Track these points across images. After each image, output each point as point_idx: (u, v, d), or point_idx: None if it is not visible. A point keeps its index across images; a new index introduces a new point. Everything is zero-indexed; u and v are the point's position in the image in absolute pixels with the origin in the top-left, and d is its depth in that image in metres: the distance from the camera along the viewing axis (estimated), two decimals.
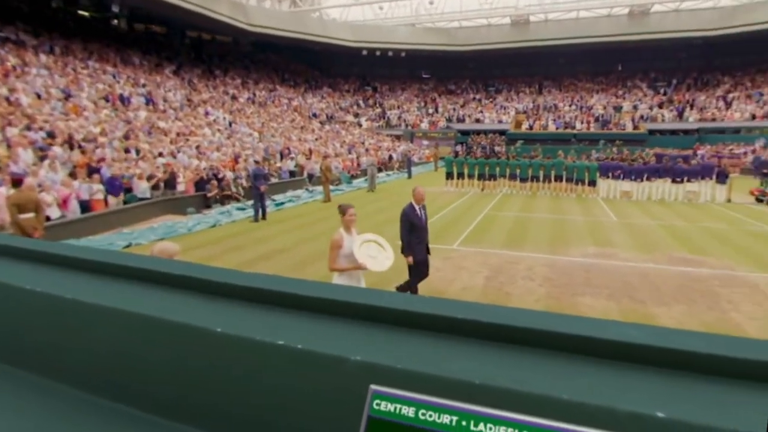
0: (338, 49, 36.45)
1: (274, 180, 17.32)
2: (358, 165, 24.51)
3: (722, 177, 17.15)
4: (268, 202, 13.55)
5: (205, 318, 0.92)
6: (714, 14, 30.95)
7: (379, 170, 25.05)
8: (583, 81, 40.13)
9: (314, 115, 33.90)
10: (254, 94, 30.55)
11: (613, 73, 39.81)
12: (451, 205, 15.49)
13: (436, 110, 40.15)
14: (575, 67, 39.77)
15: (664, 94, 36.25)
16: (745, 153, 27.40)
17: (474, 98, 41.67)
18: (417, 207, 5.96)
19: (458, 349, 0.76)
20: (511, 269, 8.03)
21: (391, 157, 28.96)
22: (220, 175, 14.90)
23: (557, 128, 34.79)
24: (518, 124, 36.48)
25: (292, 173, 19.68)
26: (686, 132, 32.00)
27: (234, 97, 27.89)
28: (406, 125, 38.16)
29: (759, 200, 16.47)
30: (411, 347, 0.78)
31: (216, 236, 10.66)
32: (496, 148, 32.98)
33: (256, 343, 0.83)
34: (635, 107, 35.07)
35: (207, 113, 22.01)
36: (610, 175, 17.90)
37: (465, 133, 36.92)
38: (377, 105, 40.55)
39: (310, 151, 23.28)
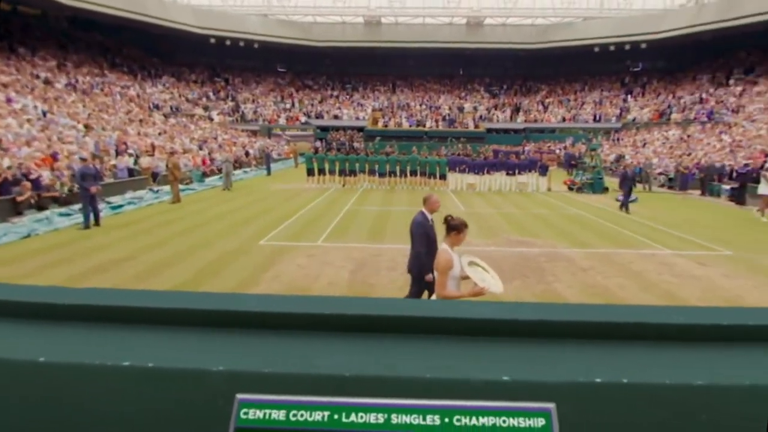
0: (182, 34, 33.13)
1: (108, 180, 15.05)
2: (212, 162, 22.75)
3: (543, 170, 20.23)
4: (102, 205, 11.70)
5: (20, 348, 0.74)
6: (533, 30, 36.35)
7: (235, 167, 23.64)
8: (431, 82, 43.55)
9: (156, 106, 30.31)
10: (76, 80, 26.05)
11: (456, 76, 43.97)
12: (313, 201, 15.36)
13: (294, 105, 39.46)
14: (424, 69, 42.91)
15: (498, 97, 41.40)
16: (559, 149, 32.81)
17: (332, 94, 42.04)
18: (430, 217, 5.15)
19: (327, 345, 0.76)
20: (374, 262, 8.23)
21: (247, 153, 27.56)
22: (34, 176, 12.37)
23: (410, 126, 37.16)
24: (375, 121, 37.95)
25: (131, 172, 17.31)
26: (516, 131, 37.13)
27: (48, 82, 23.41)
28: (263, 120, 36.70)
29: (570, 188, 19.85)
30: (278, 349, 0.74)
31: (31, 248, 8.81)
32: (355, 144, 33.82)
33: (95, 369, 0.70)
34: (475, 108, 39.35)
35: (9, 100, 18.06)
36: (457, 169, 19.73)
37: (324, 129, 37.06)
38: (230, 98, 38.13)
39: (153, 147, 20.79)
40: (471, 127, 36.92)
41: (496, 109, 39.41)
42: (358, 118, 38.74)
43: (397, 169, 19.79)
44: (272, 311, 0.81)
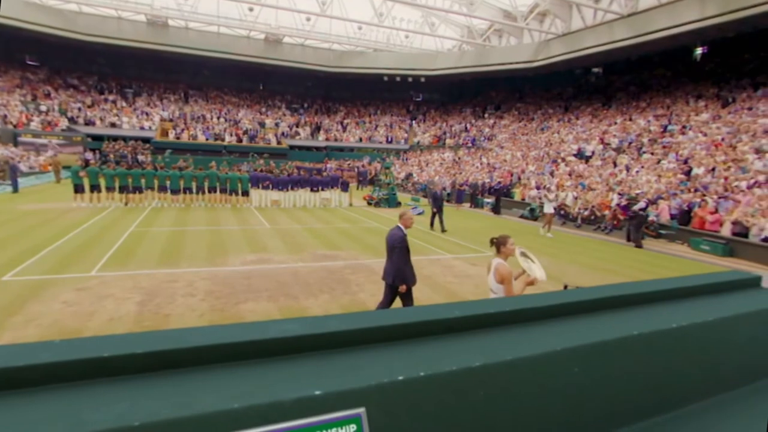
0: None
1: None
2: None
3: (345, 186, 21.30)
4: None
5: None
6: (330, 54, 38.31)
7: None
8: (229, 95, 41.58)
9: None
10: None
11: (256, 91, 43.05)
12: (84, 223, 12.71)
13: (55, 109, 32.36)
14: (221, 80, 40.69)
15: (300, 115, 42.12)
16: (358, 167, 35.17)
17: (107, 99, 36.06)
18: (405, 231, 5.57)
19: (105, 394, 0.61)
20: (168, 288, 7.21)
21: None
22: None
23: (207, 139, 34.58)
24: (165, 132, 34.06)
25: None
26: (318, 148, 38.31)
27: None
28: (5, 122, 28.92)
29: (369, 203, 21.39)
30: (33, 411, 0.57)
31: None
32: (141, 157, 29.63)
33: None
34: (277, 124, 39.14)
35: None
36: (261, 185, 19.14)
37: (97, 138, 31.36)
38: None
39: None
40: (273, 144, 36.55)
41: (297, 127, 40.02)
42: (142, 128, 34.12)
43: (194, 185, 18.07)
44: (19, 365, 0.62)
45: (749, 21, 18.49)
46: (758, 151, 15.90)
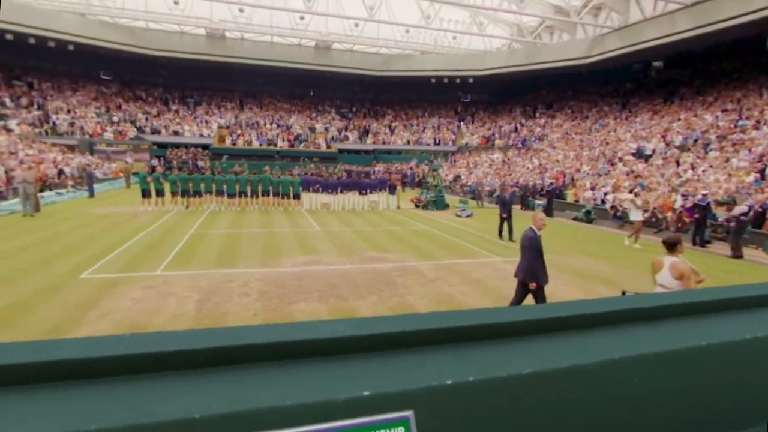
0: None
1: None
2: (9, 182, 18.62)
3: (392, 189, 21.44)
4: None
5: None
6: (377, 58, 38.74)
7: (45, 188, 19.86)
8: (281, 101, 43.05)
9: None
10: None
11: (306, 97, 44.29)
12: (151, 226, 13.62)
13: (126, 119, 34.92)
14: (273, 87, 42.23)
15: (348, 119, 42.88)
16: (406, 170, 35.28)
17: (171, 109, 38.45)
18: (539, 233, 6.02)
19: (169, 388, 0.66)
20: (225, 288, 7.59)
21: (61, 172, 23.36)
22: None
23: (261, 144, 36.00)
24: (221, 139, 35.81)
25: None
26: (366, 152, 38.81)
27: None
28: (83, 133, 31.55)
29: (417, 206, 21.40)
30: (106, 401, 0.62)
31: None
32: (200, 163, 31.34)
33: None
34: (327, 129, 40.06)
35: None
36: (311, 189, 19.67)
37: (162, 146, 33.55)
38: (36, 106, 31.96)
39: None
40: (323, 148, 37.43)
41: (346, 131, 40.74)
42: (202, 135, 36.08)
43: (248, 189, 18.87)
44: (96, 356, 0.67)
45: None
46: None
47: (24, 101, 31.71)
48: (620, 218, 16.70)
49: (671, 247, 4.75)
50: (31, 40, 28.70)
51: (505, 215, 13.16)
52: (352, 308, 6.82)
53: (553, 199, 20.54)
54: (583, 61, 29.06)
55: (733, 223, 12.32)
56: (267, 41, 36.40)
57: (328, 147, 37.74)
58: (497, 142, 37.14)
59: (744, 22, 19.49)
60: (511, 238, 12.88)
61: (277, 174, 20.85)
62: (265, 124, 38.96)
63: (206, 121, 37.76)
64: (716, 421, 0.81)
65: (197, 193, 18.04)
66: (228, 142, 35.58)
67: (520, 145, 34.43)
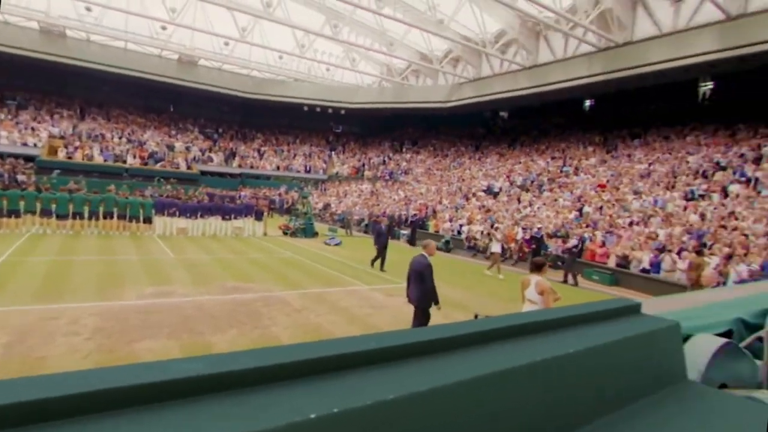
0: None
1: None
2: None
3: (259, 215, 20.52)
4: None
5: None
6: (249, 80, 37.49)
7: None
8: (135, 114, 38.69)
9: None
10: None
11: (166, 112, 40.58)
12: None
13: None
14: (125, 98, 37.77)
15: (213, 140, 40.31)
16: (274, 196, 34.26)
17: None
18: (430, 259, 6.30)
19: None
20: (46, 327, 6.25)
21: None
22: None
23: (106, 160, 31.53)
24: (53, 151, 30.44)
25: None
26: (232, 175, 36.74)
27: None
28: None
29: (285, 233, 20.75)
30: None
31: None
32: (20, 177, 26.12)
33: None
34: (188, 148, 36.98)
35: None
36: (166, 212, 17.77)
37: None
38: None
39: None
40: (183, 168, 34.37)
41: (210, 152, 38.19)
42: (26, 145, 30.18)
43: (85, 210, 16.25)
44: None
45: (627, 80, 21.42)
46: (636, 193, 18.14)
47: None
48: (473, 248, 18.39)
49: (538, 267, 5.55)
50: None
51: (379, 247, 13.11)
52: (208, 344, 6.16)
53: (417, 229, 21.83)
54: (443, 105, 32.07)
55: (566, 255, 14.35)
56: (120, 47, 32.70)
57: (189, 168, 34.80)
58: (366, 173, 38.50)
59: (567, 87, 23.68)
60: (382, 269, 12.92)
61: (125, 194, 18.39)
62: (112, 138, 34.38)
63: (33, 129, 31.88)
64: (548, 428, 0.90)
65: (14, 213, 14.91)
66: (62, 154, 30.40)
67: (387, 177, 36.17)
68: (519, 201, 22.23)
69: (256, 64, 35.94)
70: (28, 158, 28.67)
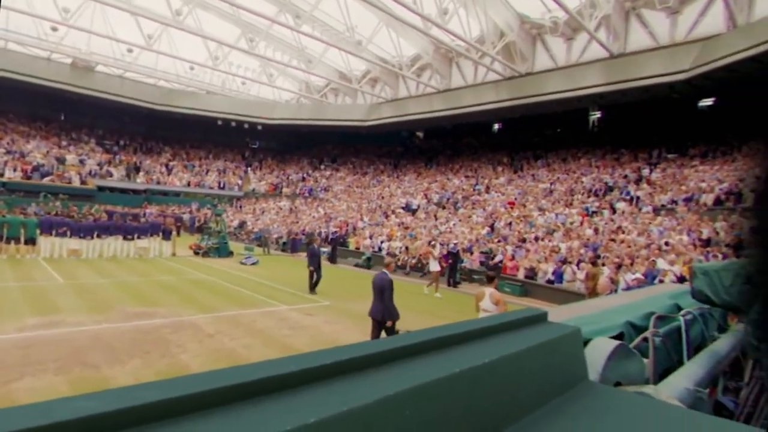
0: None
1: None
2: None
3: (167, 234, 19.08)
4: None
5: None
6: (155, 90, 35.03)
7: None
8: (16, 123, 34.28)
9: None
10: None
11: (54, 121, 36.47)
12: None
13: None
14: (5, 104, 33.37)
15: (113, 153, 36.92)
16: (184, 213, 32.12)
17: None
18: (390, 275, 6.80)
19: None
20: None
21: None
22: None
23: None
24: None
25: None
26: (135, 191, 33.78)
27: None
28: None
29: (196, 253, 19.46)
30: None
31: None
32: None
33: None
34: (82, 161, 33.46)
35: None
36: (55, 231, 15.85)
37: None
38: None
39: None
40: (76, 183, 30.94)
41: (110, 165, 34.90)
42: None
43: None
44: None
45: (530, 107, 23.42)
46: (540, 210, 19.72)
47: None
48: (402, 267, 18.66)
49: (490, 280, 6.32)
50: None
51: (312, 268, 12.38)
52: (105, 378, 5.52)
53: (337, 246, 21.68)
54: (362, 123, 32.55)
55: (492, 270, 14.97)
56: (0, 47, 28.99)
57: (84, 183, 31.42)
58: (285, 189, 37.66)
59: (476, 111, 25.28)
60: (312, 290, 12.31)
61: (2, 212, 16.11)
62: None
63: None
64: None
65: None
66: None
67: (307, 194, 35.68)
68: (436, 218, 23.07)
69: (163, 74, 33.74)
70: None
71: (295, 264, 19.37)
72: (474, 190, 25.41)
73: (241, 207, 35.93)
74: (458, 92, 26.31)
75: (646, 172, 19.73)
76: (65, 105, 34.98)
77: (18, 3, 23.68)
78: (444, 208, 24.32)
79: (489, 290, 6.03)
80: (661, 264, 12.24)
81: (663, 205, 16.85)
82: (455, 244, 16.96)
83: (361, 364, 0.88)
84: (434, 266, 13.95)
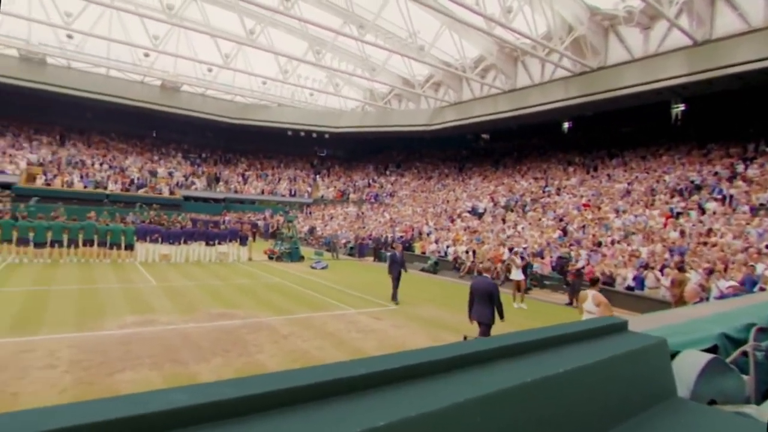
0: None
1: None
2: None
3: (244, 240, 20.30)
4: None
5: None
6: (232, 106, 37.59)
7: None
8: (116, 140, 38.32)
9: None
10: None
11: (147, 138, 40.31)
12: None
13: None
14: (106, 124, 37.43)
15: (197, 165, 40.07)
16: (259, 220, 34.00)
17: None
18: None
19: None
20: (21, 360, 6.02)
21: None
22: None
23: (86, 187, 31.03)
24: (31, 178, 29.90)
25: None
26: (216, 200, 36.42)
27: None
28: None
29: (270, 257, 20.52)
30: None
31: None
32: None
33: None
34: (171, 174, 36.66)
35: None
36: (148, 238, 17.47)
37: None
38: None
39: None
40: (166, 194, 33.96)
41: (194, 177, 37.91)
42: (3, 172, 29.66)
43: (65, 237, 15.87)
44: None
45: (603, 103, 22.14)
46: (617, 211, 18.52)
47: None
48: (459, 269, 18.45)
49: (594, 282, 6.73)
50: None
51: (393, 276, 11.71)
52: (192, 374, 5.98)
53: (404, 251, 21.79)
54: (426, 128, 32.59)
55: (573, 278, 14.01)
56: (101, 73, 32.60)
57: (172, 193, 34.40)
58: (351, 196, 38.58)
59: (544, 110, 24.33)
60: (394, 298, 11.72)
61: (105, 221, 18.05)
62: (93, 164, 33.92)
63: (11, 156, 31.29)
64: None
65: None
66: (40, 182, 29.85)
67: (372, 200, 36.28)
68: (503, 221, 22.46)
69: (239, 90, 36.10)
70: (5, 186, 28.06)
71: (362, 268, 19.77)
72: (543, 192, 24.43)
73: (310, 213, 37.33)
74: (524, 92, 25.50)
75: (740, 168, 17.83)
76: (156, 123, 38.52)
77: (116, 33, 26.54)
78: (512, 210, 23.61)
79: (592, 292, 6.28)
80: (761, 269, 10.99)
81: (762, 204, 15.14)
82: (524, 248, 16.39)
83: (430, 369, 0.87)
84: (517, 275, 12.62)
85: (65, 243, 15.89)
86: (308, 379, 0.75)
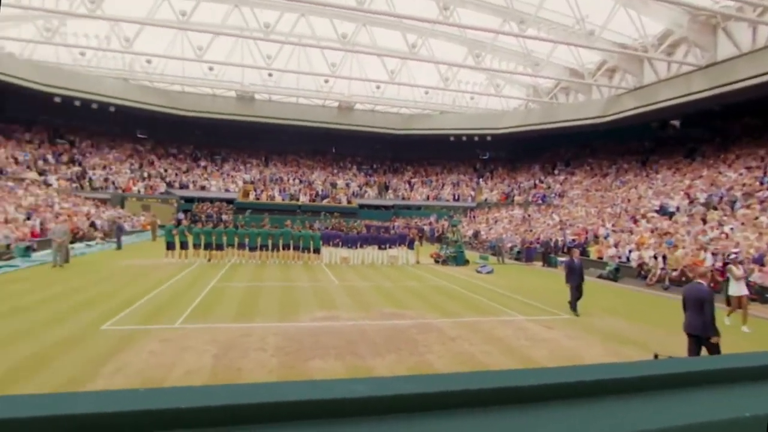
0: (17, 89, 29.01)
1: None
2: (43, 233, 19.35)
3: (411, 244, 21.43)
4: None
5: None
6: (397, 118, 40.22)
7: (76, 240, 20.53)
8: (305, 158, 44.57)
9: None
10: None
11: (328, 154, 45.80)
12: (172, 278, 13.82)
13: (159, 175, 36.52)
14: (297, 145, 43.94)
15: (369, 175, 43.94)
16: (425, 225, 35.42)
17: (199, 165, 40.21)
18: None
19: None
20: (242, 343, 7.52)
21: (93, 225, 24.20)
22: None
23: (283, 199, 36.95)
24: (246, 194, 36.93)
25: None
26: (386, 207, 39.34)
27: None
28: (115, 187, 33.02)
29: (436, 261, 21.23)
30: None
31: None
32: (224, 217, 32.16)
33: None
34: (348, 185, 41.01)
35: None
36: (331, 243, 19.84)
37: (189, 200, 34.75)
38: (74, 162, 33.80)
39: None
40: (344, 203, 38.11)
41: (366, 186, 41.60)
42: (227, 190, 37.35)
43: (269, 242, 19.15)
44: (106, 411, 0.63)
45: None
46: None
47: (65, 158, 33.63)
48: (645, 277, 16.20)
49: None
50: (77, 103, 30.88)
51: (573, 285, 10.79)
52: (369, 367, 6.63)
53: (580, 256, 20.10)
54: (599, 120, 29.51)
55: None
56: (293, 102, 38.37)
57: (349, 202, 38.42)
58: (516, 198, 37.20)
59: (756, 83, 19.71)
60: (573, 308, 10.74)
61: (298, 228, 21.15)
62: (288, 180, 40.19)
63: (232, 177, 39.17)
64: None
65: (219, 246, 18.34)
66: (252, 196, 36.65)
67: (539, 202, 34.37)
68: (704, 221, 18.90)
69: (403, 102, 38.33)
70: (229, 201, 35.33)
71: (530, 273, 18.93)
72: (762, 184, 19.74)
73: (474, 217, 37.24)
74: (729, 64, 21.05)
75: None
76: (335, 140, 43.50)
77: (303, 66, 30.96)
78: (715, 209, 19.69)
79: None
80: None
81: None
82: (735, 253, 13.55)
83: (608, 387, 0.79)
84: (738, 289, 9.98)
85: (270, 247, 19.15)
86: (478, 383, 0.75)
